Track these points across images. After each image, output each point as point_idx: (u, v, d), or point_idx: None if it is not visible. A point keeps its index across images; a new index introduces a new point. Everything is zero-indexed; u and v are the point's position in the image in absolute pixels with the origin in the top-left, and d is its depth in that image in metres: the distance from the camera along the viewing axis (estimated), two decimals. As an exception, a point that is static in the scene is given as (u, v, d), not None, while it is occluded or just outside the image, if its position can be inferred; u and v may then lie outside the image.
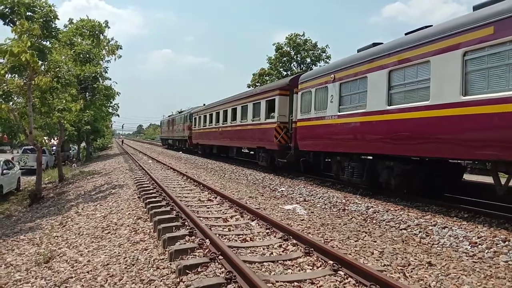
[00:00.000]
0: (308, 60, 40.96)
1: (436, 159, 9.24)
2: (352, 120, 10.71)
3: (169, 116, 46.93)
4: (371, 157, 10.80)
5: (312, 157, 13.67)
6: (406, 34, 9.48)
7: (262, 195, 10.91)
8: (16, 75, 13.04)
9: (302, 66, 40.73)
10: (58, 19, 13.90)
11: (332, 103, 11.67)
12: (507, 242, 5.82)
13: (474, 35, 7.13)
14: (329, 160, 12.88)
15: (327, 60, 39.61)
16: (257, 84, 39.21)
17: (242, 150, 23.30)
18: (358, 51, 11.35)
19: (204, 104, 30.89)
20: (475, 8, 7.60)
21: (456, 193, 9.84)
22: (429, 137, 8.14)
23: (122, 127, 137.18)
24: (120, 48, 19.81)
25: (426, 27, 8.91)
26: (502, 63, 6.70)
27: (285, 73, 40.50)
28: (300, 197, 10.71)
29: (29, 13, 12.97)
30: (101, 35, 17.94)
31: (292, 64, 41.86)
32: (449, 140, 7.75)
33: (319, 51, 41.13)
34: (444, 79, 7.73)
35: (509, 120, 6.45)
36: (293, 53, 41.44)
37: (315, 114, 12.68)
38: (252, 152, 19.54)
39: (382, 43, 10.32)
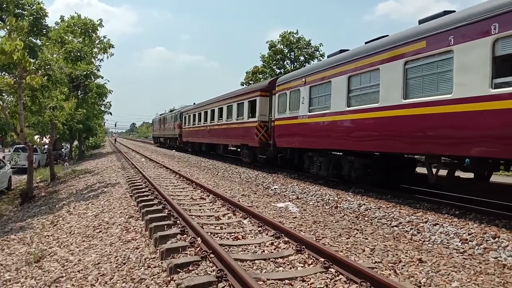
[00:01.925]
0: (302, 58, 40.95)
1: (391, 154, 10.09)
2: (320, 120, 11.98)
3: (160, 115, 47.89)
4: (340, 153, 11.77)
5: (289, 153, 14.81)
6: (366, 43, 10.49)
7: (255, 193, 10.91)
8: (6, 73, 12.90)
9: (295, 64, 40.70)
10: (48, 16, 13.76)
11: (303, 104, 12.97)
12: (496, 239, 5.88)
13: (412, 47, 8.39)
14: (303, 155, 13.89)
15: (321, 58, 39.64)
16: (250, 82, 39.16)
17: (229, 148, 24.26)
18: (328, 57, 12.65)
19: (194, 103, 31.90)
20: (420, 22, 8.73)
21: (411, 185, 10.83)
22: (379, 134, 9.40)
23: (115, 125, 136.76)
24: (112, 47, 19.71)
25: (383, 37, 9.97)
26: (432, 72, 8.01)
27: (278, 71, 40.44)
28: (293, 195, 10.73)
29: (18, 11, 12.81)
30: (93, 33, 17.82)
31: (285, 62, 41.82)
32: (394, 137, 8.96)
33: (313, 49, 41.16)
34: (390, 85, 8.98)
35: (437, 120, 7.69)
36: (286, 51, 41.40)
37: (289, 114, 13.98)
38: (239, 150, 20.61)
39: (348, 50, 11.39)
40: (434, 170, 8.76)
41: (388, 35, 9.80)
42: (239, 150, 20.64)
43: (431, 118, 7.86)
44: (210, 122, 24.17)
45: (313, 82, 12.43)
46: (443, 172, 8.90)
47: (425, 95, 8.10)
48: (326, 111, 11.59)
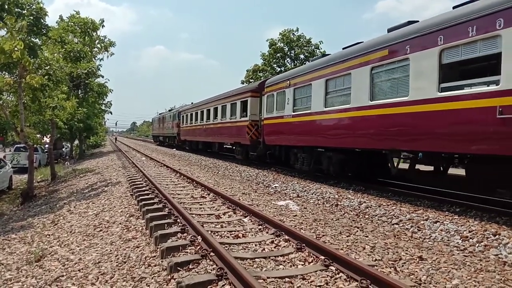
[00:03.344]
0: (302, 56, 40.85)
1: (363, 150, 10.95)
2: (302, 119, 12.94)
3: (160, 114, 49.01)
4: (322, 149, 12.55)
5: (277, 150, 15.88)
6: (343, 48, 11.36)
7: (256, 192, 10.90)
8: (6, 73, 12.90)
9: (295, 62, 40.62)
10: (48, 16, 13.74)
11: (288, 105, 14.00)
12: (497, 236, 5.86)
13: (377, 55, 9.37)
14: (289, 152, 14.96)
15: (318, 56, 39.53)
16: (250, 81, 39.11)
17: (224, 146, 25.25)
18: (310, 61, 13.77)
19: (192, 103, 32.84)
20: (388, 30, 9.62)
21: (387, 179, 11.62)
22: (352, 132, 10.38)
23: (116, 124, 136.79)
24: (113, 46, 19.71)
25: (358, 43, 10.76)
26: (393, 77, 9.04)
27: (278, 69, 40.35)
28: (294, 193, 10.72)
29: (18, 10, 12.79)
30: (93, 33, 17.81)
31: (286, 60, 41.74)
32: (363, 134, 9.89)
33: (313, 47, 41.06)
34: (360, 88, 9.96)
35: (397, 119, 8.74)
36: (286, 49, 41.31)
37: (276, 114, 15.02)
38: (234, 147, 21.61)
39: (329, 54, 12.57)
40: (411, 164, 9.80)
41: (363, 41, 10.63)
42: (234, 148, 21.51)
43: (392, 118, 8.89)
44: (206, 121, 25.18)
45: (297, 85, 13.47)
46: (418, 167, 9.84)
47: (387, 97, 9.15)
48: (307, 111, 12.65)
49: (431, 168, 9.69)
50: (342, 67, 10.74)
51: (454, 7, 7.89)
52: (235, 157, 20.76)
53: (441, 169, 9.50)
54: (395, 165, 9.84)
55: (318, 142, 12.20)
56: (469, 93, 7.10)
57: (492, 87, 6.73)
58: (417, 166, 9.84)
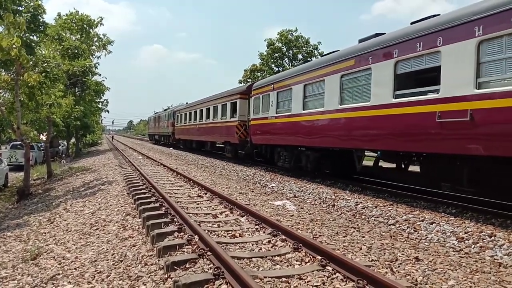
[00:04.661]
0: (300, 56, 40.85)
1: (338, 149, 11.82)
2: (284, 120, 14.06)
3: (155, 113, 50.37)
4: (303, 148, 13.55)
5: (264, 149, 17.01)
6: (321, 56, 13.08)
7: (253, 191, 10.91)
8: (3, 70, 12.83)
9: (293, 62, 40.62)
10: (45, 13, 13.67)
11: (272, 107, 15.11)
12: (493, 238, 5.89)
13: (346, 64, 10.48)
14: (273, 150, 16.15)
15: (319, 57, 39.60)
16: (248, 80, 39.10)
17: (216, 145, 26.08)
18: (293, 66, 15.34)
19: (186, 103, 34.17)
20: (360, 41, 10.53)
21: (356, 175, 12.53)
22: (325, 133, 11.51)
23: (113, 122, 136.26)
24: (111, 44, 19.65)
25: (335, 51, 11.80)
26: (358, 84, 10.14)
27: (276, 69, 40.36)
28: (290, 193, 10.73)
29: (15, 7, 12.71)
30: (90, 30, 17.75)
31: (284, 60, 41.74)
32: (334, 135, 11.06)
33: (311, 47, 41.09)
34: (331, 93, 11.02)
35: (360, 122, 9.79)
36: (284, 49, 41.33)
37: (262, 115, 16.10)
38: (225, 146, 22.67)
39: (311, 60, 14.47)
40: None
41: (339, 50, 11.59)
42: (225, 146, 22.55)
43: (357, 120, 9.96)
44: (199, 121, 26.35)
45: (280, 88, 14.59)
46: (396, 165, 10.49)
47: (353, 102, 10.22)
48: (288, 113, 13.74)
49: (393, 165, 10.62)
50: (318, 74, 11.85)
51: (411, 23, 8.90)
52: (236, 157, 21.06)
53: (402, 166, 10.25)
54: (360, 162, 10.95)
55: (297, 142, 13.28)
56: (416, 100, 8.14)
57: (434, 95, 7.73)
58: (381, 164, 11.18)
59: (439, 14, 8.26)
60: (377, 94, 9.20)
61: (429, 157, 8.82)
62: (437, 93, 7.61)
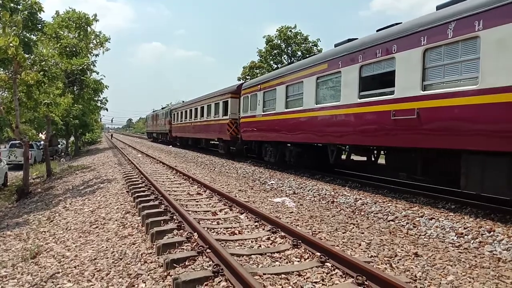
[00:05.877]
0: (299, 53, 40.78)
1: (316, 144, 13.11)
2: (270, 118, 15.13)
3: (153, 112, 51.51)
4: (288, 144, 14.66)
5: (253, 145, 18.03)
6: (302, 59, 13.74)
7: (252, 188, 10.91)
8: (1, 69, 12.78)
9: (292, 59, 40.55)
10: (43, 11, 13.60)
11: (259, 106, 16.20)
12: (492, 233, 5.91)
13: (320, 68, 11.60)
14: (261, 146, 17.26)
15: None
16: (247, 77, 39.06)
17: (211, 142, 27.34)
18: (280, 67, 16.19)
19: (183, 101, 35.40)
20: (335, 45, 11.52)
21: (342, 168, 13.73)
22: (303, 130, 12.52)
23: (112, 121, 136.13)
24: (108, 41, 19.58)
25: (311, 55, 13.05)
26: (331, 85, 11.17)
27: (275, 66, 40.30)
28: (290, 190, 10.74)
29: (13, 5, 12.66)
30: (88, 27, 17.67)
31: (282, 57, 41.68)
32: (311, 132, 12.07)
33: (310, 44, 41.00)
34: (309, 93, 12.16)
35: (332, 119, 10.89)
36: (283, 46, 41.25)
37: (250, 113, 17.19)
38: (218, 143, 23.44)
39: (293, 63, 15.34)
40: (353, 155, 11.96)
41: (318, 53, 12.93)
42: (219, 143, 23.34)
43: (329, 118, 11.05)
44: (194, 119, 27.38)
45: (266, 89, 15.69)
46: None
47: (327, 102, 11.32)
48: (273, 112, 14.86)
49: (364, 158, 11.80)
50: (298, 76, 12.97)
51: (377, 31, 9.82)
52: (236, 155, 21.38)
53: (372, 159, 11.45)
54: (333, 156, 11.84)
55: (281, 138, 14.36)
56: (376, 100, 9.20)
57: (390, 96, 8.75)
58: (353, 157, 12.00)
59: (401, 23, 9.13)
60: (345, 95, 10.26)
61: (391, 150, 9.91)
62: (393, 94, 8.65)
